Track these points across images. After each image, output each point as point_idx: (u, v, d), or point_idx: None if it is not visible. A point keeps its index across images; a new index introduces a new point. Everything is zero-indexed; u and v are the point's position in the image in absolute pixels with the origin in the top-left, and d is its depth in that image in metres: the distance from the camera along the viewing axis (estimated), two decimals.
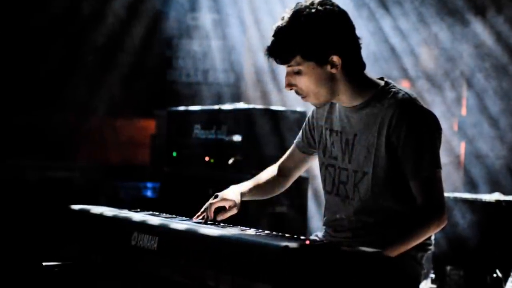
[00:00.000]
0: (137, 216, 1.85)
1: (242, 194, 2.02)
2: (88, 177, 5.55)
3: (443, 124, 1.85)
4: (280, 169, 2.14)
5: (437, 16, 5.06)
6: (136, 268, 1.75)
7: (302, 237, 1.54)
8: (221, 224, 1.89)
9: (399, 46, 5.14)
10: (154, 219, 1.78)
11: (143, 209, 2.08)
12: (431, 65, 5.44)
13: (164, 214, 1.97)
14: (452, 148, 5.14)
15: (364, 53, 1.84)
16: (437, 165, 1.75)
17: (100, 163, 5.89)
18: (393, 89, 1.82)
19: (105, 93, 5.83)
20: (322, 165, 1.96)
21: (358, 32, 1.82)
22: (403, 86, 1.94)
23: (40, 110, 5.68)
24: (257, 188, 2.10)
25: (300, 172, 2.16)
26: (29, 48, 5.56)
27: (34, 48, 5.60)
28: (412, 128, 1.74)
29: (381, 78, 1.88)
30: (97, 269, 1.90)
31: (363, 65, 1.84)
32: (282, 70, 1.84)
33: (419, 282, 1.85)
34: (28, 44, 5.56)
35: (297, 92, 1.82)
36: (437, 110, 4.15)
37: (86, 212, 1.97)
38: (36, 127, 5.65)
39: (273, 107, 4.21)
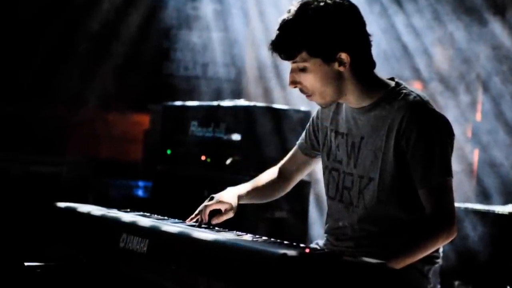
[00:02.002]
0: (127, 216, 1.84)
1: (240, 197, 2.02)
2: (77, 173, 5.55)
3: (456, 130, 1.85)
4: (281, 171, 2.14)
5: (453, 14, 5.05)
6: (124, 271, 1.75)
7: (302, 245, 1.54)
8: (216, 228, 1.88)
9: (412, 45, 5.14)
10: (144, 221, 1.78)
11: (133, 209, 2.08)
12: (445, 66, 5.44)
13: (155, 216, 1.97)
14: (465, 156, 5.14)
15: (374, 51, 1.84)
16: (448, 173, 1.75)
17: (90, 158, 5.89)
18: (404, 91, 1.82)
19: (97, 84, 5.84)
20: (325, 169, 1.96)
21: (369, 28, 1.82)
22: (415, 87, 1.94)
23: (28, 100, 5.67)
24: (255, 191, 2.10)
25: (302, 176, 2.16)
26: (18, 34, 5.56)
27: (23, 34, 5.60)
28: (423, 132, 1.74)
29: (392, 79, 1.88)
30: (82, 271, 1.90)
31: (373, 64, 1.84)
32: (287, 66, 1.83)
33: None
34: (17, 30, 5.55)
35: (301, 90, 1.82)
36: (450, 114, 4.15)
37: (73, 210, 1.97)
38: (22, 118, 5.65)
39: (276, 105, 4.21)
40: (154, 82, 6.15)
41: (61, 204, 2.03)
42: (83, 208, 1.97)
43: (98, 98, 5.90)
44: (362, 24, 1.80)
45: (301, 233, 3.89)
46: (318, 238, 2.09)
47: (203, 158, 4.04)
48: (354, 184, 1.85)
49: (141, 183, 5.47)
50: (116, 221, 1.81)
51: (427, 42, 5.20)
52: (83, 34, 5.78)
